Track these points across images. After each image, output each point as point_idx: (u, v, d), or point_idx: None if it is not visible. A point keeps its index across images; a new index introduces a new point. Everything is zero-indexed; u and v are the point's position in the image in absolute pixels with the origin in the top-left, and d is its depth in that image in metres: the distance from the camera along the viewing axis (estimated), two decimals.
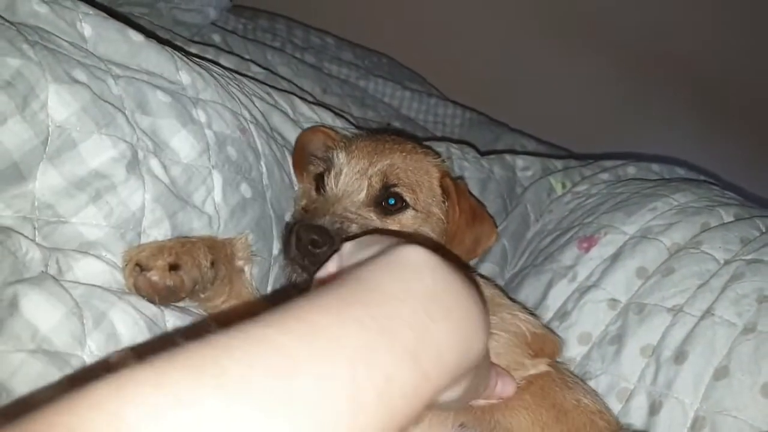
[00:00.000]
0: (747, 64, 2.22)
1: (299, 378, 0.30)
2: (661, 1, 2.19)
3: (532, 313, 0.86)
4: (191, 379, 0.29)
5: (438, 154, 1.06)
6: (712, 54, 2.22)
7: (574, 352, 0.97)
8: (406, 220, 0.93)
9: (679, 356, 0.85)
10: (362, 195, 0.91)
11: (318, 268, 0.81)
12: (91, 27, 0.79)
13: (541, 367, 0.77)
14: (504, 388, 0.60)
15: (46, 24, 0.74)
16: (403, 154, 0.96)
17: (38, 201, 0.65)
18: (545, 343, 0.81)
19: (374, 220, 0.90)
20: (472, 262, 1.10)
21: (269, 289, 0.92)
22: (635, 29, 2.25)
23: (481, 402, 0.61)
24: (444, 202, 0.99)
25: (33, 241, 0.64)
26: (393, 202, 0.92)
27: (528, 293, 1.09)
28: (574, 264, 1.06)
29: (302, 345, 0.31)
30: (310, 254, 0.82)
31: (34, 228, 0.65)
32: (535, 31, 2.32)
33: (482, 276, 0.92)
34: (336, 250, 0.55)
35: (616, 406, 0.88)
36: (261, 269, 0.90)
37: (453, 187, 0.98)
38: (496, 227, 1.09)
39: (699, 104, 2.31)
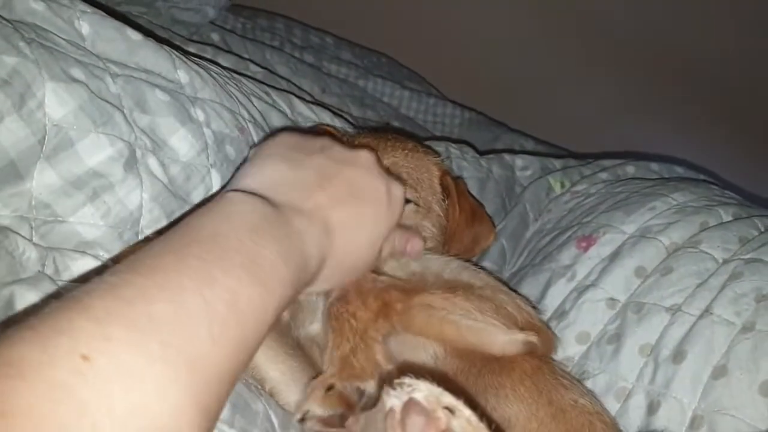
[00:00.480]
0: (747, 63, 2.22)
1: (156, 305, 0.36)
2: (660, 1, 2.19)
3: (534, 307, 0.87)
4: (87, 322, 0.34)
5: (438, 154, 1.06)
6: (711, 53, 2.22)
7: (572, 351, 0.97)
8: (406, 214, 0.93)
9: (678, 355, 0.85)
10: None
11: None
12: (88, 25, 0.79)
13: (519, 336, 0.77)
14: (410, 244, 0.74)
15: (43, 21, 0.74)
16: (405, 152, 0.97)
17: (35, 200, 0.65)
18: (538, 335, 0.81)
19: None
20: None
21: None
22: (634, 29, 2.25)
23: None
24: (444, 201, 0.99)
25: (30, 240, 0.63)
26: None
27: (526, 293, 1.09)
28: (573, 263, 1.06)
29: (152, 281, 0.37)
30: None
31: (31, 227, 0.65)
32: (534, 31, 2.32)
33: (490, 272, 0.92)
34: None
35: (614, 406, 0.88)
36: None
37: (453, 186, 0.99)
38: (495, 227, 1.10)
39: (699, 103, 2.32)
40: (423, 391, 0.43)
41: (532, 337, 0.77)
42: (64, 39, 0.75)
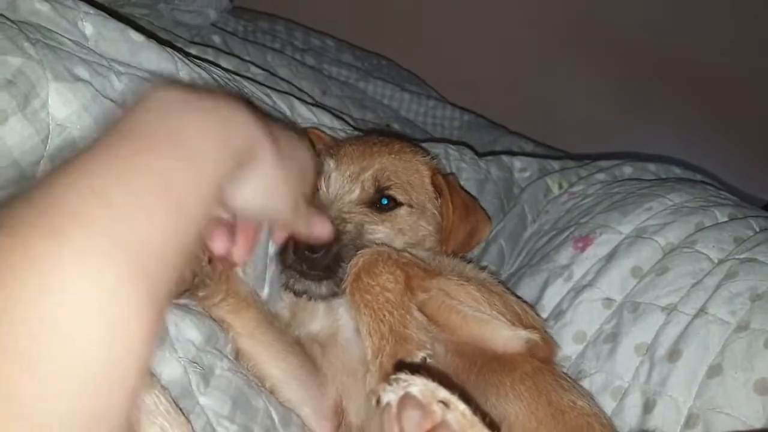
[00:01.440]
0: (745, 64, 2.24)
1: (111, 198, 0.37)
2: (658, 2, 2.21)
3: (539, 315, 0.88)
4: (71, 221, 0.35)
5: (427, 152, 1.07)
6: (709, 55, 2.23)
7: (569, 350, 0.97)
8: (401, 216, 0.94)
9: (673, 354, 0.86)
10: (354, 195, 0.92)
11: (317, 273, 0.83)
12: (92, 26, 0.80)
13: (523, 333, 0.78)
14: (317, 227, 0.68)
15: (47, 22, 0.75)
16: (392, 155, 0.97)
17: None
18: (542, 340, 0.82)
19: (369, 216, 0.91)
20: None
21: (265, 288, 0.92)
22: (633, 30, 2.27)
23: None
24: (437, 199, 1.00)
25: None
26: (386, 202, 0.93)
27: (524, 293, 1.10)
28: (570, 263, 1.07)
29: (113, 180, 0.39)
30: (307, 259, 0.82)
31: None
32: (533, 34, 2.33)
33: (496, 276, 0.93)
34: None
35: (610, 404, 0.88)
36: (256, 269, 0.90)
37: (444, 184, 0.99)
38: (490, 219, 1.10)
39: (697, 104, 2.33)
40: (418, 385, 0.44)
41: (535, 336, 0.78)
42: (68, 39, 0.76)
